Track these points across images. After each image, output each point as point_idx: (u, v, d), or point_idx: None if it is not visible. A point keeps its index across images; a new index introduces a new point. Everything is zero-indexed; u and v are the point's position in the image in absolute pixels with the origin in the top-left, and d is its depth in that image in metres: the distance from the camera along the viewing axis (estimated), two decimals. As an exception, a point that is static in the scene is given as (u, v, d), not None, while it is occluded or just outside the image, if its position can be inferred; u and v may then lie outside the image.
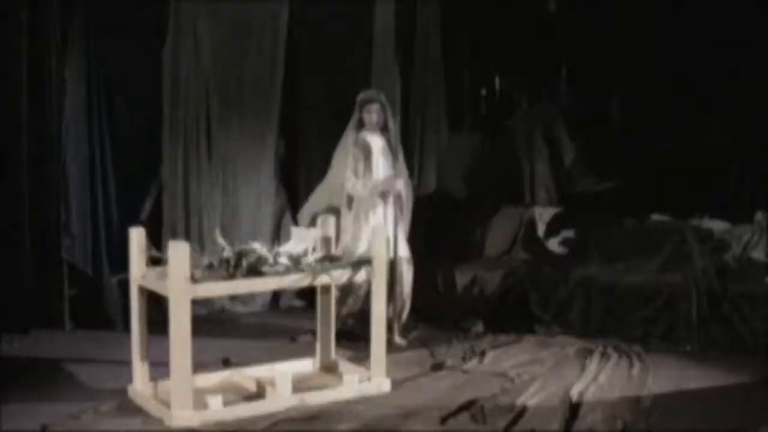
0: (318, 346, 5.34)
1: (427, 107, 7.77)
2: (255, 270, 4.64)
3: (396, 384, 5.05)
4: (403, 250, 5.96)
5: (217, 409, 4.54)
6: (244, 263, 4.60)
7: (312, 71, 7.18)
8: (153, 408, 4.60)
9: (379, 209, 5.89)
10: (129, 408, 4.68)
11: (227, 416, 4.51)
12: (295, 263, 4.77)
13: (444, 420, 4.48)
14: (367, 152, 5.92)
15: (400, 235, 5.91)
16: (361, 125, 5.94)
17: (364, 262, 4.93)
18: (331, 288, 5.22)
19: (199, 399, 4.54)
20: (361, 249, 5.76)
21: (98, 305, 6.25)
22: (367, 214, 5.93)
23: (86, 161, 6.29)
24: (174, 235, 6.44)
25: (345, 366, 5.26)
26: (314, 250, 4.97)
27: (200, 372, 4.98)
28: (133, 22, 6.31)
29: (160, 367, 4.72)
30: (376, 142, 5.95)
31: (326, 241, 5.17)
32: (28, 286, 6.03)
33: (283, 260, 4.75)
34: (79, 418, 4.48)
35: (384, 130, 5.97)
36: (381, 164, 5.94)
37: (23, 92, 5.98)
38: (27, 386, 4.98)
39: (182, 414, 4.40)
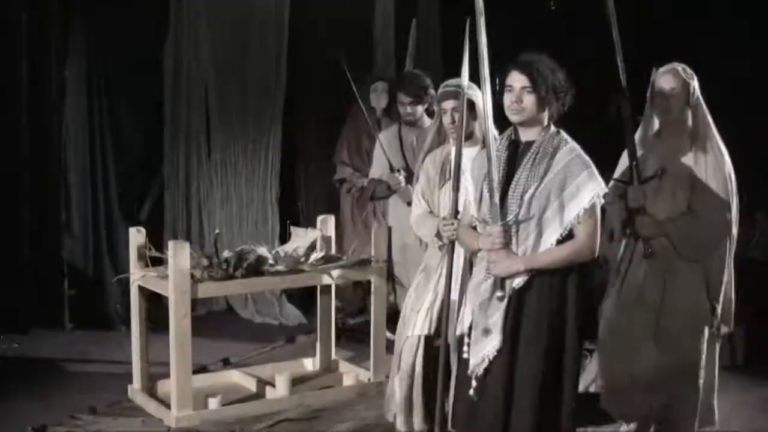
0: (318, 346, 5.34)
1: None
2: (255, 270, 4.64)
3: (396, 384, 5.05)
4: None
5: (217, 409, 4.54)
6: (244, 263, 4.61)
7: (313, 69, 7.18)
8: (153, 408, 4.60)
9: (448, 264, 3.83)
10: (129, 408, 4.69)
11: (227, 416, 4.51)
12: (295, 263, 4.78)
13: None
14: (445, 174, 4.05)
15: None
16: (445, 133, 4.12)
17: (365, 261, 4.93)
18: (332, 288, 5.22)
19: (199, 399, 4.54)
20: (420, 329, 3.98)
21: (98, 305, 6.24)
22: (431, 273, 4.07)
23: (87, 161, 6.28)
24: (175, 235, 6.44)
25: (345, 366, 5.26)
26: (314, 249, 4.97)
27: (200, 372, 5.00)
28: (134, 22, 6.31)
29: (160, 367, 4.73)
30: (467, 159, 3.83)
31: (326, 241, 5.16)
32: (28, 286, 6.03)
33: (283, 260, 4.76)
34: (79, 418, 4.49)
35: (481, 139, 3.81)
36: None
37: (23, 92, 5.98)
38: (27, 386, 4.98)
39: (182, 414, 4.41)
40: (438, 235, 3.88)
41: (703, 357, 3.88)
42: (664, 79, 3.87)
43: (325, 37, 6.99)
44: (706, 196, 3.80)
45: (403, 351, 4.02)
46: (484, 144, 3.56)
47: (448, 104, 3.99)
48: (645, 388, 3.89)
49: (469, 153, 3.84)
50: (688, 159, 3.84)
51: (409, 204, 4.61)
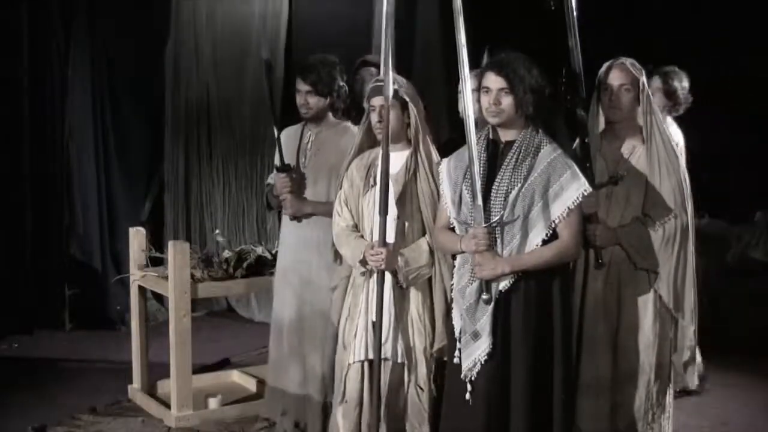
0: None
1: (427, 107, 7.73)
2: (255, 270, 4.64)
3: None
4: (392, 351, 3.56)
5: (217, 409, 4.54)
6: (244, 263, 4.61)
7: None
8: (153, 408, 4.60)
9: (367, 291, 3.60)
10: (129, 408, 4.69)
11: (227, 416, 4.51)
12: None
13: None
14: (369, 180, 3.65)
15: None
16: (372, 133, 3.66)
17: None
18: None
19: (199, 399, 4.54)
20: (355, 355, 3.59)
21: (98, 305, 6.24)
22: (359, 292, 3.65)
23: (90, 161, 6.28)
24: (175, 235, 6.44)
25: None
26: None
27: (200, 372, 5.00)
28: (136, 22, 6.30)
29: (160, 367, 4.73)
30: (393, 164, 3.54)
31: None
32: (28, 286, 6.03)
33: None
34: (79, 418, 4.49)
35: (418, 142, 3.60)
36: (392, 210, 3.52)
37: (25, 92, 5.99)
38: (27, 386, 4.98)
39: (182, 414, 4.41)
40: (363, 261, 3.53)
41: (653, 373, 3.56)
42: (613, 74, 3.58)
43: (324, 38, 7.00)
44: (660, 200, 3.50)
45: (348, 380, 3.61)
46: (415, 147, 3.55)
47: (377, 101, 3.54)
48: (588, 393, 3.56)
49: (398, 158, 3.57)
50: (640, 160, 3.55)
51: (294, 218, 4.11)
